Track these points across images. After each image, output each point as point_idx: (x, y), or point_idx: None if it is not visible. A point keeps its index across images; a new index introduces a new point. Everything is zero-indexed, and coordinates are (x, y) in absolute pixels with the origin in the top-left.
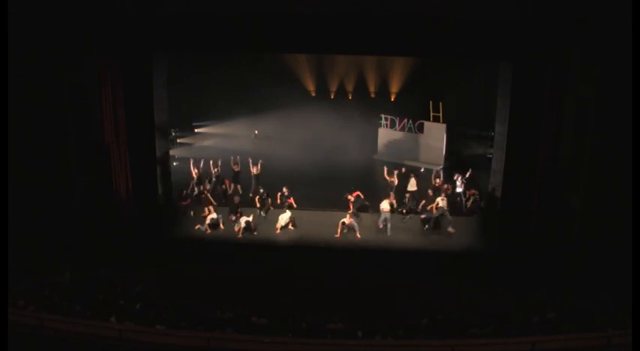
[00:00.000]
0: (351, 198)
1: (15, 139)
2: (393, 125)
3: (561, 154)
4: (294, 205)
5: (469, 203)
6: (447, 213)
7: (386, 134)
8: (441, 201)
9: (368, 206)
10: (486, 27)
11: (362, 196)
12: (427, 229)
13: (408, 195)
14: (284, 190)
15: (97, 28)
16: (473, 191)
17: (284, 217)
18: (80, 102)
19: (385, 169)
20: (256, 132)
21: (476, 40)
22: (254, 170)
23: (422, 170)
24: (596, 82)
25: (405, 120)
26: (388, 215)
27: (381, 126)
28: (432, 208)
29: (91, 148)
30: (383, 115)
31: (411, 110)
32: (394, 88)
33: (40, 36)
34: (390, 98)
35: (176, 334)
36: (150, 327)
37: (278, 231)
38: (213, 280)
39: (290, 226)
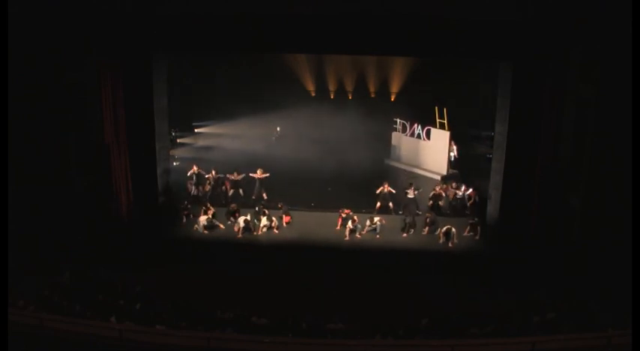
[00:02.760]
0: (343, 215)
1: (15, 139)
2: (404, 130)
3: (561, 154)
4: (285, 223)
5: (469, 204)
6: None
7: (398, 138)
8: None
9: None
10: (486, 27)
11: (355, 218)
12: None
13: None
14: (279, 205)
15: (97, 28)
16: (473, 192)
17: (264, 221)
18: (80, 102)
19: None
20: (278, 129)
21: (476, 40)
22: (257, 174)
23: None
24: (596, 82)
25: (415, 125)
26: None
27: (395, 130)
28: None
29: (91, 148)
30: (398, 119)
31: (412, 111)
32: (394, 88)
33: (40, 36)
34: (390, 98)
35: (176, 334)
36: (150, 327)
37: (260, 232)
38: (213, 280)
39: (275, 230)
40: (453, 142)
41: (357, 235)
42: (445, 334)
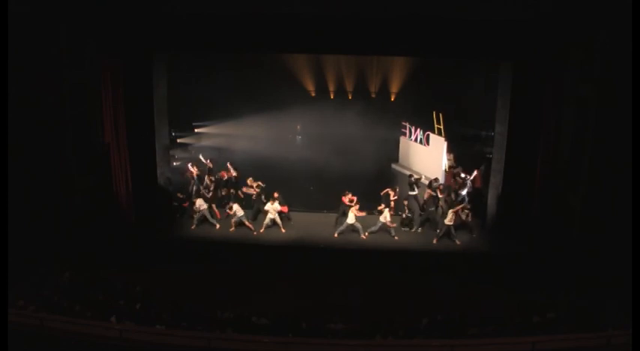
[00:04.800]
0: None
1: (15, 139)
2: (410, 134)
3: (561, 154)
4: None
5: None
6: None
7: (405, 143)
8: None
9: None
10: (486, 27)
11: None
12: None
13: (406, 202)
14: (275, 195)
15: (98, 28)
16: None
17: (272, 210)
18: (80, 102)
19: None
20: (298, 127)
21: (476, 40)
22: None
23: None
24: (596, 82)
25: (418, 130)
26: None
27: (403, 134)
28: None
29: (91, 148)
30: (407, 124)
31: (412, 112)
32: (394, 88)
33: (41, 35)
34: (390, 98)
35: (176, 334)
36: (150, 327)
37: (266, 221)
38: (213, 280)
39: (282, 229)
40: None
41: (363, 236)
42: (445, 334)
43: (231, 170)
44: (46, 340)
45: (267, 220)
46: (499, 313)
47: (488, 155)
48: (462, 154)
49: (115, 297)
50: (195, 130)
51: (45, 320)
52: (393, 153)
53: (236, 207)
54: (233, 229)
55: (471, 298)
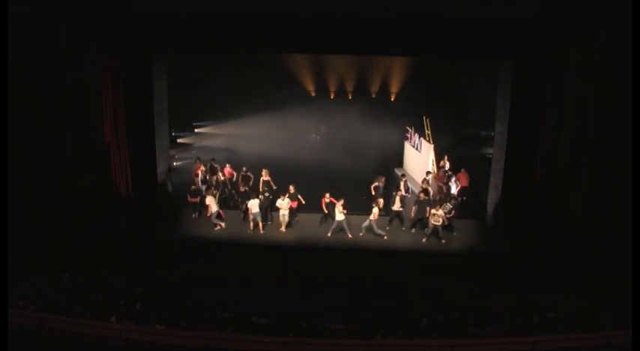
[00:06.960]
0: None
1: (15, 138)
2: (410, 139)
3: (561, 154)
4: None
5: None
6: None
7: (407, 147)
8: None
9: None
10: (486, 27)
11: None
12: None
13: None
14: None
15: (98, 28)
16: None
17: (284, 205)
18: (80, 102)
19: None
20: (322, 128)
21: (476, 40)
22: (264, 177)
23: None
24: (596, 82)
25: (416, 135)
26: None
27: (407, 138)
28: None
29: (91, 148)
30: (410, 129)
31: (412, 112)
32: (394, 88)
33: (41, 35)
34: (390, 98)
35: (176, 334)
36: (150, 327)
37: (281, 219)
38: (213, 280)
39: (283, 228)
40: (446, 158)
41: (349, 235)
42: (445, 334)
43: (248, 173)
44: (46, 340)
45: (281, 218)
46: (499, 313)
47: (488, 155)
48: (462, 155)
49: (115, 297)
50: (195, 130)
51: (45, 320)
52: (397, 157)
53: (252, 203)
54: (255, 228)
55: (471, 298)
